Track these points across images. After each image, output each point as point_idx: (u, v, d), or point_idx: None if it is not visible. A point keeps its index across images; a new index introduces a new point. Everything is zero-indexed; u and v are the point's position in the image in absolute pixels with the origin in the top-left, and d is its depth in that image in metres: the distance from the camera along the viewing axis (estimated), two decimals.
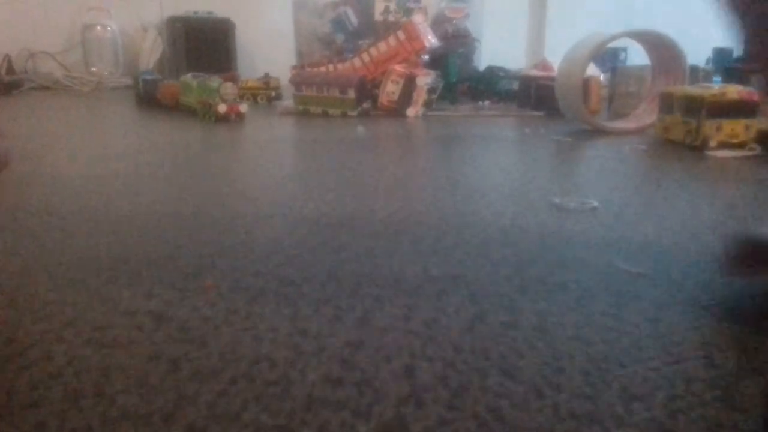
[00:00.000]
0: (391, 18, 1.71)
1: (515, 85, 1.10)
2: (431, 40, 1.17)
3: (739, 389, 0.17)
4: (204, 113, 0.94)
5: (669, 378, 0.18)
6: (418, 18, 1.28)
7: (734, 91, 0.61)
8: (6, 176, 0.47)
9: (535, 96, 0.98)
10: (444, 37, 1.44)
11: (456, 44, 1.45)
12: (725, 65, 1.16)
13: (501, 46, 1.84)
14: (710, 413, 0.16)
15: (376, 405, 0.17)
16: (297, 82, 1.07)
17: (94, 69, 1.77)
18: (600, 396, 0.17)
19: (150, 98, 1.19)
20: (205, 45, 1.95)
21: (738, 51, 1.29)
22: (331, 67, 1.18)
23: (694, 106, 0.61)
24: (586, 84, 0.76)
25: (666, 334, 0.21)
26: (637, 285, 0.25)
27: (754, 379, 0.18)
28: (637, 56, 0.94)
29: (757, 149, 0.60)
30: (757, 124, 0.61)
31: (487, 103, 1.12)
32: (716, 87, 0.63)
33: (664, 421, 0.16)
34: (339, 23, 1.70)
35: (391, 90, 1.02)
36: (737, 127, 0.60)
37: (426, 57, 1.18)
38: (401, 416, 0.16)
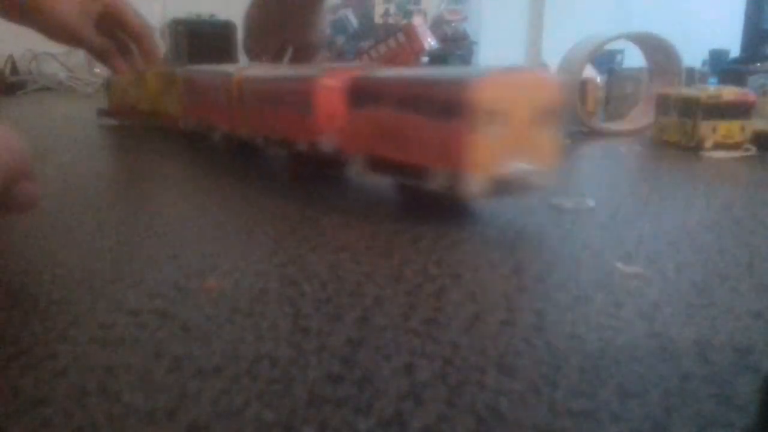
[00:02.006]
0: (391, 20, 1.71)
1: None
2: (431, 42, 1.17)
3: (734, 386, 0.18)
4: None
5: (664, 375, 0.18)
6: (417, 20, 1.28)
7: (730, 92, 0.61)
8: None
9: None
10: (443, 40, 1.44)
11: (455, 46, 1.45)
12: (721, 67, 1.17)
13: (499, 49, 1.84)
14: (705, 410, 0.16)
15: (376, 402, 0.17)
16: None
17: (97, 70, 1.77)
18: (596, 393, 0.17)
19: None
20: (207, 47, 1.95)
21: (735, 53, 1.29)
22: None
23: (689, 108, 0.62)
24: (584, 86, 0.77)
25: (661, 332, 0.21)
26: (633, 284, 0.26)
27: (749, 375, 0.18)
28: (634, 59, 0.94)
29: (753, 150, 0.60)
30: (753, 125, 0.61)
31: None
32: (712, 88, 0.63)
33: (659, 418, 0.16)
34: (339, 25, 1.70)
35: None
36: (733, 128, 0.61)
37: (425, 59, 1.18)
38: (401, 413, 0.16)
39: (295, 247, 0.30)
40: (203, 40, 1.97)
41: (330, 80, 0.36)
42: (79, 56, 1.82)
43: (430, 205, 0.35)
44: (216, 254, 0.29)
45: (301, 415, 0.16)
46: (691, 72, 0.95)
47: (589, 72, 0.88)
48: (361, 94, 0.34)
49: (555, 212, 0.38)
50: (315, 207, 0.39)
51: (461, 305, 0.23)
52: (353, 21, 1.71)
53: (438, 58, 1.20)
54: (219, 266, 0.28)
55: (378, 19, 1.72)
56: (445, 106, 0.28)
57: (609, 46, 0.78)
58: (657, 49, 0.74)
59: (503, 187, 0.29)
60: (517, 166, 0.29)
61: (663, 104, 0.67)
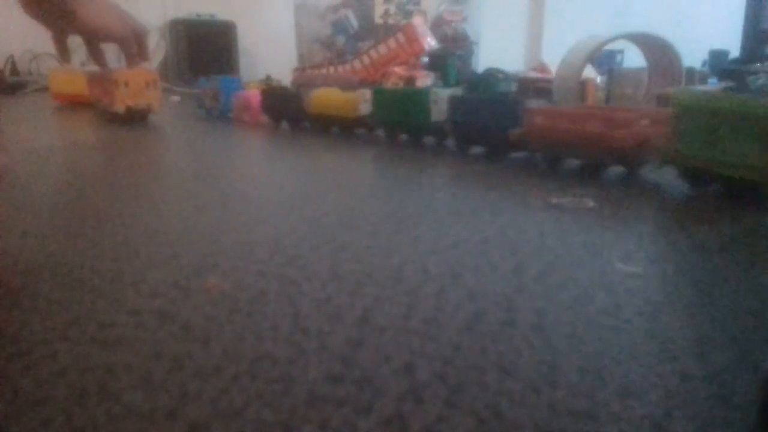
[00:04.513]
0: (391, 21, 1.71)
1: (513, 87, 1.10)
2: (430, 42, 1.18)
3: (734, 386, 0.18)
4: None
5: (664, 375, 0.18)
6: (417, 21, 1.28)
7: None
8: (11, 176, 0.47)
9: (533, 98, 0.99)
10: (443, 40, 1.44)
11: (454, 47, 1.45)
12: (721, 67, 1.17)
13: (499, 49, 1.84)
14: (705, 410, 0.16)
15: (376, 402, 0.17)
16: (299, 84, 1.08)
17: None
18: (596, 393, 0.17)
19: None
20: (207, 47, 1.96)
21: (735, 53, 1.29)
22: (332, 69, 1.19)
23: None
24: (583, 86, 0.77)
25: (661, 331, 0.21)
26: (633, 284, 0.26)
27: (748, 375, 0.18)
28: (634, 59, 0.94)
29: None
30: None
31: None
32: (712, 89, 0.63)
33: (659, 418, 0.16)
34: (340, 26, 1.70)
35: None
36: None
37: (425, 59, 1.18)
38: (401, 413, 0.16)
39: (295, 247, 0.30)
40: (203, 40, 1.98)
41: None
42: (80, 56, 1.83)
43: (116, 120, 1.04)
44: (216, 254, 0.29)
45: (301, 414, 0.16)
46: (691, 72, 0.95)
47: (589, 72, 0.88)
48: (101, 80, 1.09)
49: (555, 212, 0.38)
50: (314, 206, 0.39)
51: (461, 305, 0.23)
52: (353, 21, 1.71)
53: (438, 58, 1.20)
54: (219, 266, 0.28)
55: (378, 20, 1.72)
56: (111, 81, 1.04)
57: (609, 46, 0.78)
58: (657, 50, 0.74)
59: (134, 111, 1.05)
60: (137, 102, 1.05)
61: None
